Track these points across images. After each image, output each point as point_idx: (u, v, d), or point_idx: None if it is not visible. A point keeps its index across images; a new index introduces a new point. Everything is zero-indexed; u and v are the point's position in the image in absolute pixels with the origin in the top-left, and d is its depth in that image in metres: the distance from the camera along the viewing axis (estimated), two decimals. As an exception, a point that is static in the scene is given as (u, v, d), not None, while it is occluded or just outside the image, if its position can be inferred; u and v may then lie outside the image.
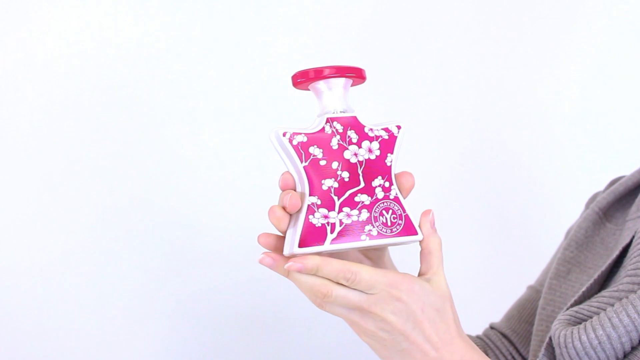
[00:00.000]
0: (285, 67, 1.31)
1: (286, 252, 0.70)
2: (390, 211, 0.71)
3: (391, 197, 0.71)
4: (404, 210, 0.71)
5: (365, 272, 0.67)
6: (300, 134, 0.70)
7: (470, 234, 1.41)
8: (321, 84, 0.72)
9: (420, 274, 0.72)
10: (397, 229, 0.71)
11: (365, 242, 0.70)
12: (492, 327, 1.05)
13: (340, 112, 0.71)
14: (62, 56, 1.23)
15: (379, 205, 0.70)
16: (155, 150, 1.27)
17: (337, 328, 1.25)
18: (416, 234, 0.71)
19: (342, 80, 0.72)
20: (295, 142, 0.69)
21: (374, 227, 0.70)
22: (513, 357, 0.99)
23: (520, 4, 1.41)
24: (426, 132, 1.36)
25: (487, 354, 1.00)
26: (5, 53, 1.21)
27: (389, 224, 0.70)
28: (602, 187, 0.98)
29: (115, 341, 1.25)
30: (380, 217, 0.70)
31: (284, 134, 0.69)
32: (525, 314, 1.00)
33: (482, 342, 1.02)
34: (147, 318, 1.26)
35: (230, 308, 1.30)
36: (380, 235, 0.70)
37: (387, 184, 0.71)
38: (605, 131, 1.43)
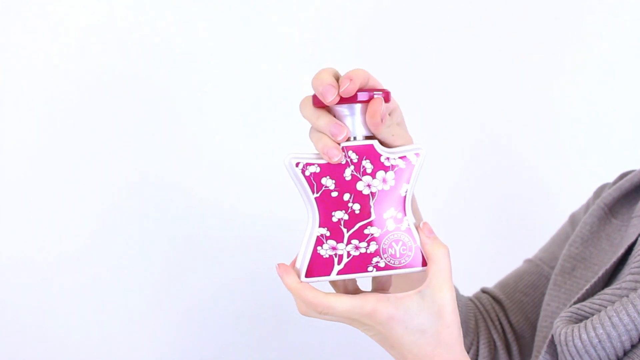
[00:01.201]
0: (292, 66, 1.30)
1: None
2: (400, 243, 0.69)
3: (402, 228, 0.69)
4: (415, 242, 0.69)
5: (339, 306, 0.66)
6: (314, 164, 0.67)
7: (474, 233, 1.42)
8: (344, 108, 0.68)
9: (421, 287, 0.69)
10: (405, 261, 0.69)
11: (372, 273, 0.69)
12: (484, 291, 1.05)
13: (361, 137, 0.68)
14: (66, 53, 1.21)
15: (388, 237, 0.69)
16: (156, 150, 1.26)
17: (339, 328, 1.27)
18: (425, 265, 0.70)
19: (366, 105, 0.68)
20: (307, 173, 0.67)
21: (382, 259, 0.69)
22: (501, 323, 1.00)
23: (524, 6, 1.39)
24: (428, 132, 1.36)
25: (476, 318, 1.01)
26: (8, 51, 1.19)
27: (398, 255, 0.69)
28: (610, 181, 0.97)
29: (116, 340, 1.27)
30: (389, 249, 0.69)
31: (297, 164, 0.67)
32: (522, 285, 1.01)
33: (473, 304, 1.02)
34: (148, 318, 1.28)
35: (231, 308, 1.32)
36: (387, 267, 0.69)
37: (399, 215, 0.69)
38: (611, 127, 1.42)
